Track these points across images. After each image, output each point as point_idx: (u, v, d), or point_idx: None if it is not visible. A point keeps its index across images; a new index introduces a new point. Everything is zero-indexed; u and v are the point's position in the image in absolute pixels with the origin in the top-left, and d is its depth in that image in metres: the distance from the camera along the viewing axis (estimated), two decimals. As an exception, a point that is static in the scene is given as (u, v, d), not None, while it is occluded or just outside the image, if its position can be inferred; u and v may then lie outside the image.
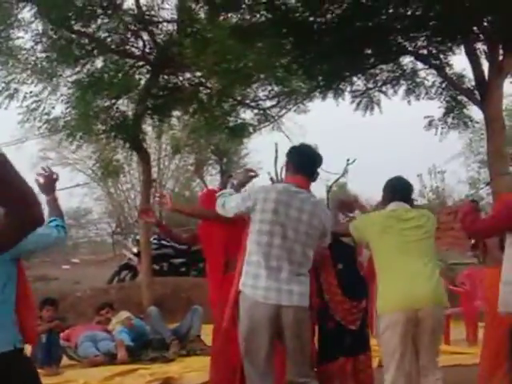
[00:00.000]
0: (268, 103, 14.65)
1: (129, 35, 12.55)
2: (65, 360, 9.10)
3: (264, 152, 23.57)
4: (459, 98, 14.39)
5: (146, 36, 12.50)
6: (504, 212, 4.64)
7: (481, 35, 13.24)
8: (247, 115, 14.54)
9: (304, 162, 4.54)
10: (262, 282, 4.23)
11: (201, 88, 12.95)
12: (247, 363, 4.38)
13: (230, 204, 4.44)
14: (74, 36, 12.13)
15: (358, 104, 14.76)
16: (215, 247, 5.65)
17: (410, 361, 4.48)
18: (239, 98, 14.07)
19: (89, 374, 8.22)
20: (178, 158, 30.65)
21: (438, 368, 4.60)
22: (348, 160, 20.06)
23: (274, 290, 4.22)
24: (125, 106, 12.69)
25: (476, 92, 13.32)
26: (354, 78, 14.52)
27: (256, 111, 14.60)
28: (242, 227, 4.64)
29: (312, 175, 4.57)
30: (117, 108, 12.39)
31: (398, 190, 4.80)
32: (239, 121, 14.19)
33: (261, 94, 14.51)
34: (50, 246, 3.81)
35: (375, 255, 4.65)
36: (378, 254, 4.63)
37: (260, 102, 14.62)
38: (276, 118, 14.96)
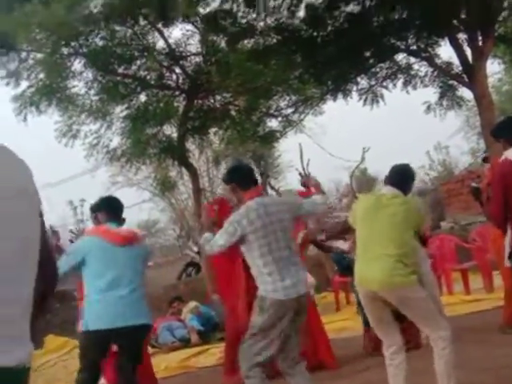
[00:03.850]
0: (289, 111, 14.53)
1: (164, 70, 12.58)
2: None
3: (293, 152, 23.44)
4: (450, 82, 14.15)
5: (178, 69, 12.55)
6: (497, 189, 4.39)
7: (461, 26, 12.94)
8: (273, 123, 14.53)
9: (247, 177, 4.44)
10: (279, 284, 4.15)
11: (230, 106, 12.93)
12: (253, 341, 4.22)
13: (217, 243, 4.31)
14: (118, 78, 12.22)
15: (365, 100, 14.53)
16: None
17: (387, 324, 4.28)
18: (264, 110, 14.01)
19: (168, 359, 8.19)
20: (223, 167, 30.69)
21: (442, 328, 4.26)
22: (364, 148, 19.75)
23: (291, 286, 4.15)
24: (169, 130, 12.71)
25: (464, 75, 13.03)
26: (358, 79, 14.32)
27: (280, 119, 14.53)
28: None
29: (257, 183, 4.53)
30: (163, 133, 12.42)
31: (393, 175, 4.56)
32: (267, 129, 14.15)
33: (282, 103, 14.48)
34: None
35: (356, 235, 4.48)
36: (357, 235, 4.46)
37: (282, 111, 14.54)
38: (297, 122, 14.83)
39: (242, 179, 4.38)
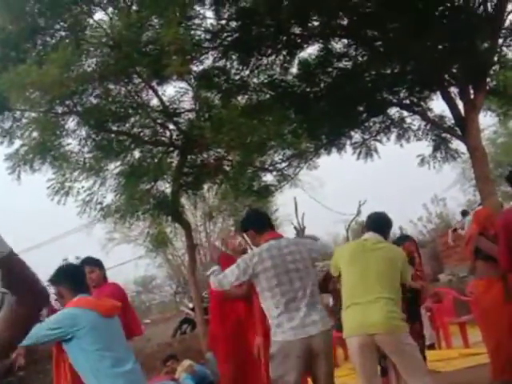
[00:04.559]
0: (283, 165, 14.60)
1: (158, 127, 12.69)
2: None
3: (290, 206, 23.55)
4: (443, 135, 14.27)
5: (171, 125, 12.65)
6: (502, 236, 4.42)
7: (452, 80, 13.14)
8: (268, 178, 14.55)
9: (262, 222, 4.58)
10: (288, 325, 4.13)
11: (224, 161, 12.98)
12: None
13: (228, 279, 4.36)
14: (113, 135, 12.32)
15: (359, 154, 14.62)
16: None
17: (375, 376, 4.23)
18: (258, 165, 14.07)
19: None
20: (220, 222, 30.70)
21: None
22: (360, 201, 19.87)
23: (300, 326, 4.11)
24: (163, 186, 12.74)
25: (456, 128, 13.16)
26: (352, 133, 14.43)
27: (274, 173, 14.57)
28: None
29: (273, 227, 4.65)
30: (156, 189, 12.44)
31: (373, 221, 4.65)
32: (262, 184, 14.19)
33: (276, 158, 14.53)
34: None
35: (343, 282, 4.45)
36: (344, 281, 4.43)
37: (276, 165, 14.60)
38: (292, 176, 14.89)
39: (257, 224, 4.48)
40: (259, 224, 4.52)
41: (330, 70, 13.71)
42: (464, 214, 16.38)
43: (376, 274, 4.27)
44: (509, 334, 6.14)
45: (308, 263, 4.32)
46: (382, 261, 4.33)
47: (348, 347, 4.36)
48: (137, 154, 12.63)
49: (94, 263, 5.95)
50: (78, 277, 4.33)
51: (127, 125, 12.36)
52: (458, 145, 14.34)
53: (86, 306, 4.06)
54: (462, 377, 6.77)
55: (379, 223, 4.64)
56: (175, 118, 12.62)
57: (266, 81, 13.53)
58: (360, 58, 13.66)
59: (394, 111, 14.44)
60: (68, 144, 12.13)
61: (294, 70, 13.72)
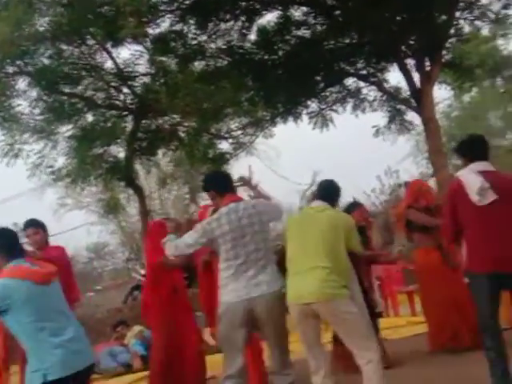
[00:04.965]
0: (239, 133, 14.58)
1: (112, 90, 12.48)
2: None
3: (245, 174, 23.49)
4: (398, 107, 14.39)
5: (126, 89, 12.46)
6: (446, 207, 4.49)
7: (409, 52, 13.20)
8: (224, 145, 14.51)
9: (223, 184, 4.52)
10: (232, 287, 4.16)
11: (179, 127, 12.87)
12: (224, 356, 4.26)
13: (186, 242, 4.33)
14: (64, 97, 12.07)
15: (315, 123, 14.65)
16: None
17: (317, 344, 4.30)
18: (214, 132, 14.01)
19: (109, 385, 8.00)
20: (175, 189, 30.53)
21: (372, 350, 4.30)
22: (314, 171, 20.07)
23: (243, 287, 4.14)
24: (116, 151, 12.59)
25: (412, 100, 13.24)
26: (309, 102, 14.42)
27: (230, 141, 14.55)
28: None
29: (234, 190, 4.58)
30: (109, 153, 12.29)
31: (322, 189, 4.69)
32: (217, 151, 14.14)
33: (232, 126, 14.52)
34: None
35: (287, 251, 4.48)
36: (287, 250, 4.46)
37: (233, 133, 14.57)
38: (248, 144, 14.88)
39: (219, 186, 4.46)
40: (221, 186, 4.50)
41: (289, 38, 13.60)
42: (401, 186, 16.60)
43: (316, 241, 4.29)
44: (447, 303, 6.35)
45: (265, 226, 4.34)
46: (323, 228, 4.35)
47: (291, 314, 4.38)
48: (89, 117, 12.46)
49: (38, 225, 5.85)
50: (10, 242, 4.05)
51: (80, 87, 12.14)
52: (412, 117, 14.51)
53: (19, 276, 3.85)
54: (409, 344, 6.93)
55: (328, 191, 4.67)
56: (130, 82, 12.44)
57: (223, 47, 13.34)
58: (319, 27, 13.57)
59: (350, 81, 14.48)
60: (18, 105, 11.90)
61: (253, 36, 13.56)
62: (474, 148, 4.48)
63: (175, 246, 4.35)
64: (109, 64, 12.44)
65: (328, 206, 4.52)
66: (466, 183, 4.26)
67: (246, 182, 4.86)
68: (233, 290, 4.16)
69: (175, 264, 5.47)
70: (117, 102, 12.59)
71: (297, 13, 13.46)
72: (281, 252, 4.70)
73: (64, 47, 11.81)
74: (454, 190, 4.38)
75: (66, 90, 11.98)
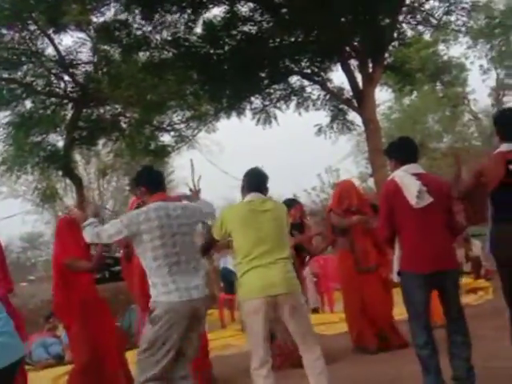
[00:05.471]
0: (182, 126, 14.51)
1: (52, 77, 12.22)
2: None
3: (187, 168, 23.36)
4: (341, 106, 14.62)
5: (67, 77, 12.23)
6: (382, 208, 4.58)
7: (353, 53, 13.41)
8: (166, 138, 14.41)
9: (155, 181, 4.40)
10: (172, 287, 4.07)
11: (120, 118, 12.71)
12: (149, 355, 4.14)
13: (108, 232, 4.18)
14: (3, 82, 11.74)
15: (259, 120, 14.74)
16: None
17: (267, 340, 4.35)
18: (157, 124, 13.89)
19: (41, 376, 7.84)
20: (115, 180, 30.16)
21: (319, 346, 4.40)
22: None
23: (184, 289, 4.07)
24: (54, 139, 12.34)
25: (354, 101, 13.48)
26: (253, 98, 14.50)
27: (173, 134, 14.45)
28: None
29: (164, 189, 4.46)
30: (48, 142, 12.03)
31: (254, 181, 4.63)
32: (159, 144, 14.03)
33: (175, 118, 14.43)
34: None
35: (236, 246, 4.46)
36: (239, 245, 4.44)
37: (175, 126, 14.48)
38: (190, 138, 14.83)
39: (150, 182, 4.33)
40: (152, 182, 4.37)
41: (235, 33, 13.64)
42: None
43: (271, 235, 4.32)
44: (356, 306, 6.58)
45: (193, 229, 4.31)
46: (273, 221, 4.37)
47: (245, 310, 4.35)
48: (28, 104, 12.17)
49: None
50: None
51: (19, 73, 11.85)
52: (354, 117, 14.76)
53: None
54: (342, 340, 7.04)
55: (260, 182, 4.63)
56: (71, 70, 12.21)
57: (169, 38, 13.27)
58: (265, 24, 13.66)
59: (295, 79, 14.65)
60: (-47, 89, 11.51)
61: (199, 30, 13.56)
62: (404, 150, 4.56)
63: (96, 234, 4.18)
64: (50, 50, 12.19)
65: (266, 198, 4.54)
66: (402, 185, 4.35)
67: (193, 195, 4.80)
68: (173, 290, 4.05)
69: (79, 267, 5.32)
70: (57, 90, 12.33)
71: (243, 8, 13.52)
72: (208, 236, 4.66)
73: (4, 31, 11.50)
74: (390, 191, 4.46)
75: (5, 75, 11.69)
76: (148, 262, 4.12)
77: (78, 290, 5.43)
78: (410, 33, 14.60)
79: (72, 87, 12.29)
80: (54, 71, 12.15)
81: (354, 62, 13.51)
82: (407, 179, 4.33)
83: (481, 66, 28.93)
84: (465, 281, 10.31)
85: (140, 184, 4.39)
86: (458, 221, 4.60)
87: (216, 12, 13.55)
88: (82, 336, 5.36)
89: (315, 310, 10.21)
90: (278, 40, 13.78)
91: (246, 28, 13.74)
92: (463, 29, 14.96)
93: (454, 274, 4.39)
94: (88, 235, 4.24)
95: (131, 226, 4.08)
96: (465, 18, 13.85)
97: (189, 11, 13.13)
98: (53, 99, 12.33)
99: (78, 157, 14.28)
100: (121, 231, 4.10)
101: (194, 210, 4.40)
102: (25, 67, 11.84)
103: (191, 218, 4.30)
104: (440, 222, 4.34)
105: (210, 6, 13.37)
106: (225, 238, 4.60)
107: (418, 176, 4.35)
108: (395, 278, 4.51)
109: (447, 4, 13.41)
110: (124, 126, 12.73)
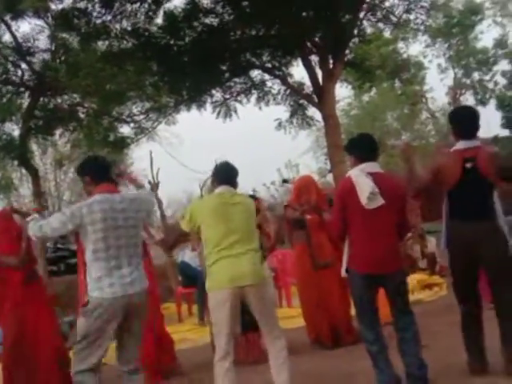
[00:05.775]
0: (141, 117, 14.39)
1: (9, 65, 11.95)
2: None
3: (146, 160, 23.26)
4: (301, 102, 14.66)
5: (24, 65, 11.97)
6: (337, 205, 4.62)
7: (314, 48, 13.45)
8: (125, 129, 14.26)
9: (100, 171, 4.33)
10: (106, 282, 4.03)
11: (78, 108, 12.52)
12: (85, 349, 4.10)
13: (51, 225, 4.11)
14: (-44, 69, 11.47)
15: (219, 113, 14.69)
16: None
17: (232, 330, 4.38)
18: (116, 115, 13.73)
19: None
20: (72, 172, 29.72)
21: (283, 338, 4.47)
22: (216, 160, 19.98)
23: (119, 284, 4.04)
24: (10, 128, 12.08)
25: (314, 96, 13.52)
26: (213, 91, 14.43)
27: (132, 125, 14.33)
28: None
29: (112, 179, 4.41)
30: (3, 130, 11.77)
31: (224, 174, 4.65)
32: (118, 135, 13.89)
33: (134, 110, 14.32)
34: None
35: (206, 237, 4.46)
36: (209, 236, 4.44)
37: (135, 117, 14.35)
38: (150, 130, 14.72)
39: (95, 172, 4.25)
40: (97, 172, 4.25)
41: (196, 24, 13.51)
42: (285, 182, 16.69)
43: (242, 227, 4.36)
44: (312, 302, 6.65)
45: (139, 222, 4.26)
46: (243, 213, 4.42)
47: (212, 300, 4.35)
48: (-17, 91, 11.87)
49: None
50: None
51: (-27, 59, 11.55)
52: (314, 112, 14.82)
53: None
54: (299, 335, 7.10)
55: (230, 176, 4.65)
56: (28, 57, 11.96)
57: (128, 28, 13.08)
58: (226, 16, 13.58)
59: (255, 73, 14.61)
60: None
61: (159, 20, 13.38)
62: (363, 147, 4.59)
63: (40, 228, 4.12)
64: (7, 37, 11.94)
65: (235, 191, 4.58)
66: (356, 184, 4.39)
67: (122, 174, 4.74)
68: (107, 285, 3.99)
69: (9, 263, 5.26)
70: (13, 78, 12.07)
71: (205, 0, 13.41)
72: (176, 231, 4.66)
73: (-42, 17, 11.22)
74: (345, 188, 4.51)
75: (-41, 61, 11.38)
76: (88, 254, 4.10)
77: (14, 284, 5.35)
78: (370, 30, 14.74)
79: (29, 75, 12.07)
80: (10, 59, 11.90)
81: (314, 58, 13.54)
82: (361, 179, 4.38)
83: (439, 64, 29.52)
84: (420, 277, 10.49)
85: (84, 173, 4.31)
86: (408, 221, 4.69)
87: (177, 3, 13.52)
88: (13, 333, 5.31)
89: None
90: (239, 33, 13.70)
91: (207, 20, 13.61)
92: (422, 27, 15.17)
93: (397, 276, 4.45)
94: (31, 229, 4.20)
95: (74, 219, 4.04)
96: (424, 17, 14.00)
97: (149, 1, 12.96)
98: (9, 87, 12.08)
99: (34, 147, 14.01)
100: (64, 224, 4.07)
101: (141, 201, 4.36)
102: (-21, 54, 11.56)
103: (138, 210, 4.27)
104: (389, 223, 4.41)
105: (172, -5, 13.24)
106: (193, 231, 4.59)
107: (374, 176, 4.39)
108: (343, 273, 4.58)
109: (407, 2, 13.55)
110: (82, 116, 12.55)
